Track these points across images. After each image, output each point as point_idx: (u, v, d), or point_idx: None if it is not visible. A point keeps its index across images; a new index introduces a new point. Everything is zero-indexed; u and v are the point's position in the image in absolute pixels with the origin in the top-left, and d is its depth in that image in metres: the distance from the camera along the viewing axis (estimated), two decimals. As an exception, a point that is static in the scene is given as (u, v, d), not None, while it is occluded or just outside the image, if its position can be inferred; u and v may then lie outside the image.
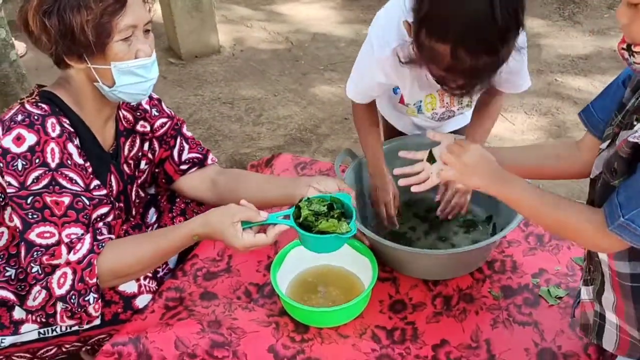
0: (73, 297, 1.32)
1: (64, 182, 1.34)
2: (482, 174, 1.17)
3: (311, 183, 1.51)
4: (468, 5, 1.11)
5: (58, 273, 1.31)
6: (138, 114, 1.60)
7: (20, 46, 3.17)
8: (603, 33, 3.78)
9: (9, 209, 1.41)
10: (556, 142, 2.80)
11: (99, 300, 1.35)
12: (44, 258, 1.31)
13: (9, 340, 1.46)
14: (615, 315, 1.15)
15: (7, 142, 1.31)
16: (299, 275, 1.54)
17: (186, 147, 1.66)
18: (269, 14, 4.21)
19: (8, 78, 2.22)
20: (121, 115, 1.56)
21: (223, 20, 4.07)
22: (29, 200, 1.32)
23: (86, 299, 1.32)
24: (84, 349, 1.56)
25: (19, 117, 1.33)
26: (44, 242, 1.32)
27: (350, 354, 1.36)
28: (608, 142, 1.11)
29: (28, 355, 1.51)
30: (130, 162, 1.58)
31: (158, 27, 3.82)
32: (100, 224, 1.40)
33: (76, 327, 1.47)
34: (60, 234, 1.32)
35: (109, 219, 1.42)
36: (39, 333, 1.47)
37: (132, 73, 1.38)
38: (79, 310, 1.34)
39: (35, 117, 1.33)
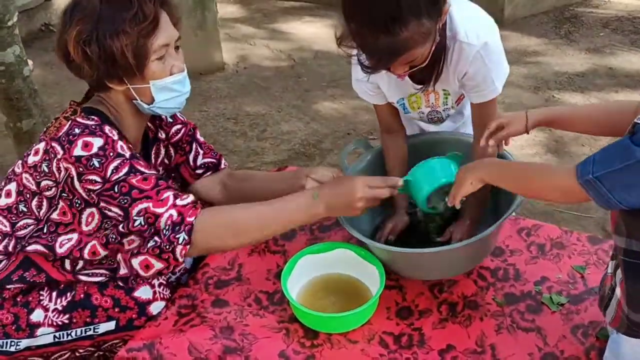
0: (167, 228, 1.35)
1: (142, 168, 1.40)
2: (479, 168, 1.32)
3: (309, 174, 1.63)
4: None
5: (165, 215, 1.35)
6: (157, 122, 1.68)
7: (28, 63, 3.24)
8: (599, 51, 3.87)
9: (86, 211, 1.44)
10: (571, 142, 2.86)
11: (187, 246, 1.36)
12: (151, 205, 1.35)
13: (24, 343, 1.50)
14: (620, 289, 1.19)
15: (77, 151, 1.36)
16: (308, 282, 1.58)
17: (201, 152, 1.75)
18: (272, 32, 4.30)
19: (21, 93, 2.27)
20: (148, 125, 1.64)
21: (227, 39, 4.15)
22: (116, 189, 1.36)
23: (177, 236, 1.34)
24: (96, 354, 1.59)
25: (77, 130, 1.39)
26: (144, 206, 1.36)
27: (359, 358, 1.40)
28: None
29: (41, 360, 1.55)
30: (159, 169, 1.66)
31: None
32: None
33: (91, 332, 1.51)
34: (160, 199, 1.36)
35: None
36: (55, 337, 1.51)
37: (169, 89, 1.46)
38: (167, 247, 1.35)
39: (93, 127, 1.40)
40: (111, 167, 1.37)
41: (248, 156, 3.01)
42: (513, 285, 1.57)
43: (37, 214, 1.49)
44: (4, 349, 1.50)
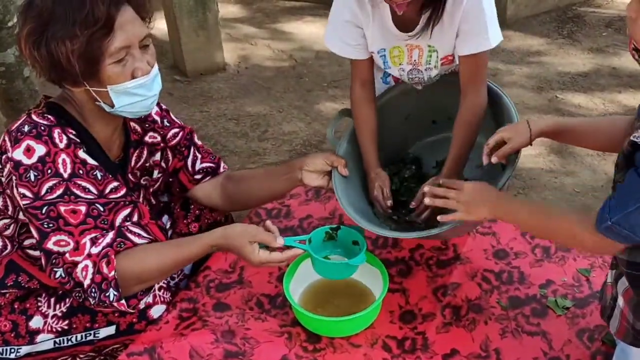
0: (94, 290, 1.33)
1: (78, 192, 1.36)
2: (483, 206, 1.27)
3: (302, 166, 1.61)
4: None
5: (80, 266, 1.33)
6: (147, 125, 1.62)
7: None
8: (601, 51, 3.84)
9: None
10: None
11: (122, 300, 1.35)
12: (67, 254, 1.32)
13: (24, 350, 1.49)
14: (623, 299, 1.18)
15: (18, 154, 1.33)
16: (310, 286, 1.57)
17: (199, 156, 1.71)
18: (273, 32, 4.28)
19: (22, 94, 2.26)
20: (132, 126, 1.58)
21: (228, 39, 4.12)
22: (43, 210, 1.33)
23: (106, 294, 1.33)
24: (97, 359, 1.58)
25: (26, 128, 1.34)
26: (61, 249, 1.34)
27: (362, 363, 1.39)
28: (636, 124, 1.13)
29: (42, 366, 1.53)
30: (137, 172, 1.60)
31: (164, 44, 3.88)
32: (128, 224, 1.41)
33: (91, 337, 1.50)
34: (78, 242, 1.34)
35: (134, 218, 1.44)
36: (55, 343, 1.49)
37: (130, 94, 1.37)
38: (102, 305, 1.35)
39: (42, 128, 1.34)
40: (46, 186, 1.33)
41: (249, 157, 2.98)
42: (518, 288, 1.55)
43: (8, 213, 1.47)
44: (4, 356, 1.49)
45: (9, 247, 1.52)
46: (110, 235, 1.37)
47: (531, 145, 1.38)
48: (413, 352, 1.41)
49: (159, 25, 3.87)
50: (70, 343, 1.50)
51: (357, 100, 1.66)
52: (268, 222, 1.47)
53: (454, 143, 1.54)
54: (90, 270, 1.34)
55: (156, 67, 1.42)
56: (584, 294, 1.51)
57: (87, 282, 1.34)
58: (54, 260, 1.35)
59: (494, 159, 1.37)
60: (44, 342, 1.49)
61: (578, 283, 1.54)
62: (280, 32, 4.29)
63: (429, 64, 1.56)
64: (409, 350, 1.41)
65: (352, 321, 1.40)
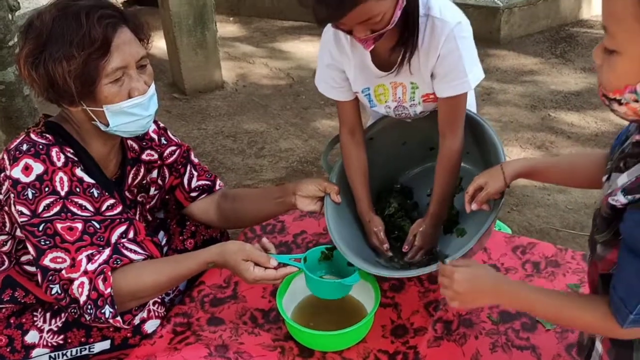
0: (89, 307, 1.35)
1: (74, 209, 1.38)
2: (481, 296, 1.18)
3: (296, 191, 1.64)
4: None
5: (76, 283, 1.34)
6: (144, 143, 1.65)
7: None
8: (593, 70, 3.90)
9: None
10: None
11: (118, 317, 1.37)
12: (64, 271, 1.34)
13: (19, 364, 1.50)
14: (601, 345, 1.17)
15: (17, 172, 1.35)
16: (303, 301, 1.58)
17: (195, 174, 1.73)
18: (271, 51, 4.34)
19: (21, 112, 2.29)
20: (129, 144, 1.61)
21: (226, 57, 4.19)
22: (40, 228, 1.36)
23: (102, 311, 1.35)
24: (92, 374, 1.59)
25: (24, 147, 1.37)
26: (57, 266, 1.36)
27: (354, 377, 1.40)
28: (605, 176, 1.12)
29: (37, 381, 1.54)
30: (134, 189, 1.63)
31: (163, 63, 3.93)
32: (124, 241, 1.44)
33: (86, 352, 1.51)
34: (74, 259, 1.36)
35: (130, 235, 1.46)
36: (50, 357, 1.50)
37: (126, 113, 1.39)
38: (97, 322, 1.37)
39: (40, 147, 1.37)
40: (43, 203, 1.35)
41: (246, 173, 3.02)
42: (508, 303, 1.57)
43: (5, 230, 1.49)
44: (-1, 369, 1.50)
45: (6, 263, 1.54)
46: (107, 252, 1.39)
47: (508, 187, 1.39)
48: (404, 366, 1.42)
49: (159, 44, 3.93)
50: (65, 358, 1.51)
51: (345, 146, 1.66)
52: (264, 240, 1.50)
53: (436, 187, 1.55)
54: (87, 287, 1.36)
55: (153, 87, 1.45)
56: (573, 309, 1.52)
57: (83, 299, 1.36)
58: (50, 277, 1.37)
59: (473, 206, 1.38)
60: (39, 356, 1.50)
61: (567, 298, 1.56)
62: (278, 51, 4.36)
63: (413, 100, 1.56)
64: (400, 364, 1.43)
65: (344, 335, 1.42)
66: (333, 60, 1.54)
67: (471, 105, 1.69)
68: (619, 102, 0.91)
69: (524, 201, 2.71)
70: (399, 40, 1.40)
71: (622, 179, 0.99)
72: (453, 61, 1.39)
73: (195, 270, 1.48)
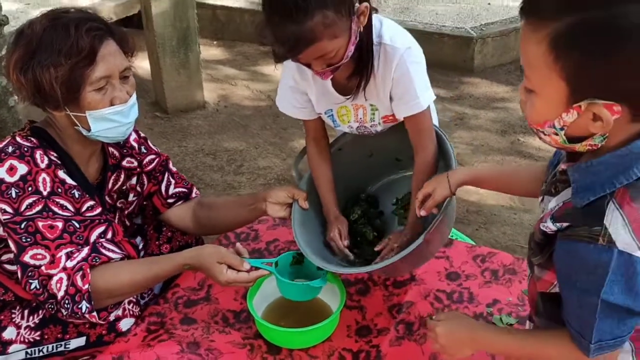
0: (67, 302, 1.41)
1: (55, 209, 1.45)
2: (462, 346, 1.24)
3: (266, 198, 1.72)
4: None
5: (55, 278, 1.41)
6: (125, 151, 1.73)
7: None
8: (562, 98, 4.07)
9: None
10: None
11: (94, 312, 1.44)
12: (43, 267, 1.41)
13: (-4, 360, 1.55)
14: None
15: (1, 172, 1.42)
16: (273, 302, 1.66)
17: (172, 182, 1.81)
18: (253, 74, 4.46)
19: (5, 123, 2.36)
20: (110, 151, 1.69)
21: (209, 79, 4.29)
22: (22, 225, 1.43)
23: (79, 306, 1.41)
24: (66, 371, 1.64)
25: (10, 149, 1.45)
26: (37, 263, 1.43)
27: (319, 373, 1.48)
28: (540, 198, 1.20)
29: (13, 377, 1.59)
30: (114, 194, 1.70)
31: (146, 82, 4.02)
32: (102, 240, 1.51)
33: (62, 348, 1.57)
34: (54, 255, 1.43)
35: (109, 236, 1.53)
36: (26, 353, 1.55)
37: (107, 119, 1.48)
38: (74, 316, 1.43)
39: (25, 149, 1.45)
40: (26, 202, 1.42)
41: (225, 189, 3.09)
42: (467, 307, 1.66)
43: None
44: (-25, 366, 1.54)
45: None
46: (85, 250, 1.46)
47: (454, 194, 1.47)
48: (367, 363, 1.50)
49: (142, 64, 4.02)
50: (41, 354, 1.56)
51: (312, 157, 1.77)
52: (238, 245, 1.59)
53: (414, 198, 1.61)
54: (65, 282, 1.42)
55: (134, 97, 1.53)
56: (526, 312, 1.61)
57: (60, 294, 1.42)
58: (29, 273, 1.43)
59: (422, 212, 1.48)
60: (16, 352, 1.55)
61: (522, 303, 1.66)
62: (260, 74, 4.47)
63: (373, 121, 1.66)
64: (363, 361, 1.50)
65: (310, 333, 1.50)
66: (296, 84, 1.64)
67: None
68: (543, 133, 0.99)
69: (491, 220, 2.82)
70: (355, 70, 1.51)
71: (552, 203, 1.07)
72: (405, 84, 1.50)
73: (171, 272, 1.55)
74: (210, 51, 4.82)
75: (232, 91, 4.22)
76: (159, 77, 3.80)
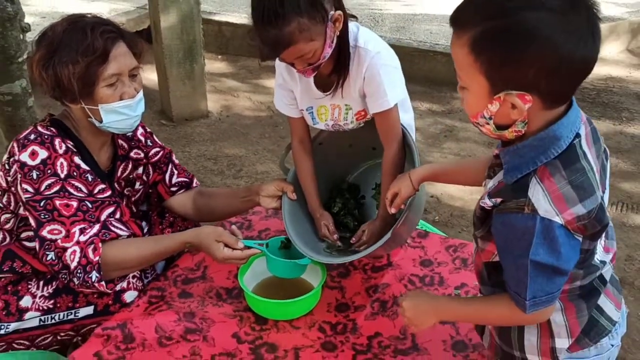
0: (79, 271, 1.60)
1: (71, 190, 1.65)
2: (426, 317, 1.37)
3: (259, 192, 1.93)
4: None
5: (69, 251, 1.60)
6: (133, 143, 1.93)
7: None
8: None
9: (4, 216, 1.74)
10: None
11: (102, 282, 1.63)
12: (59, 241, 1.60)
13: (13, 326, 1.72)
14: None
15: (24, 157, 1.63)
16: (262, 281, 1.84)
17: (175, 172, 2.02)
18: (255, 86, 4.68)
19: (24, 121, 2.57)
20: (119, 143, 1.90)
21: (213, 90, 4.52)
22: (41, 204, 1.62)
23: (89, 276, 1.60)
24: (75, 339, 1.81)
25: (32, 136, 1.65)
26: (54, 237, 1.62)
27: (300, 340, 1.65)
28: (484, 182, 1.34)
29: (27, 343, 1.76)
30: (122, 182, 1.90)
31: (153, 92, 4.25)
32: (112, 220, 1.70)
33: (72, 316, 1.75)
34: (69, 230, 1.62)
35: (117, 216, 1.72)
36: (40, 320, 1.73)
37: (117, 112, 1.68)
38: (84, 285, 1.62)
39: (46, 137, 1.66)
40: (45, 183, 1.62)
41: (224, 192, 3.30)
42: (437, 289, 1.84)
43: (10, 208, 1.75)
44: (-6, 332, 1.72)
45: (7, 239, 1.79)
46: (97, 227, 1.66)
47: (417, 190, 1.63)
48: (344, 333, 1.68)
49: (150, 76, 4.26)
50: (53, 321, 1.74)
51: (296, 154, 1.96)
52: (234, 227, 1.78)
53: (383, 191, 1.80)
54: (78, 254, 1.61)
55: (141, 93, 1.74)
56: (490, 294, 1.80)
57: (73, 265, 1.61)
58: (46, 246, 1.62)
59: (392, 210, 1.65)
60: (31, 319, 1.73)
61: (487, 286, 1.83)
62: (261, 86, 4.70)
63: (346, 120, 1.86)
64: (340, 332, 1.68)
65: (294, 304, 1.68)
66: (284, 82, 1.84)
67: (410, 126, 1.96)
68: (480, 125, 1.15)
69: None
70: (334, 69, 1.71)
71: (490, 183, 1.24)
72: (375, 83, 1.69)
73: (174, 249, 1.74)
74: (215, 64, 5.06)
75: (234, 102, 4.44)
76: (165, 87, 4.03)
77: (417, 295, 1.46)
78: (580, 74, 1.05)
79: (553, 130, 1.09)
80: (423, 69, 4.57)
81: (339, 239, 1.89)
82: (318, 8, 1.52)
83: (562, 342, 1.26)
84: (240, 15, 5.20)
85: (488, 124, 1.12)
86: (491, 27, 1.01)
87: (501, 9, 1.00)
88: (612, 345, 1.28)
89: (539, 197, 1.08)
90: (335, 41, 1.62)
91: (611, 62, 5.02)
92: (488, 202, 1.17)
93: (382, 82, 1.68)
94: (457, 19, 1.07)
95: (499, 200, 1.15)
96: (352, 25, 1.69)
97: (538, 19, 0.98)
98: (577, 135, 1.11)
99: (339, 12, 1.59)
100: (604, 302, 1.26)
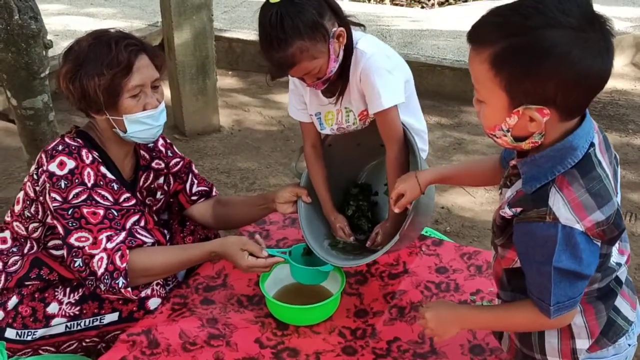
0: (106, 277, 1.65)
1: (98, 198, 1.71)
2: (449, 327, 1.40)
3: (275, 199, 1.99)
4: (263, 16, 1.59)
5: (97, 257, 1.65)
6: (154, 154, 2.00)
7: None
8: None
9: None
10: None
11: (129, 288, 1.67)
12: (86, 248, 1.65)
13: (40, 332, 1.77)
14: None
15: (53, 167, 1.69)
16: (283, 288, 1.89)
17: (195, 182, 2.08)
18: (265, 101, 4.75)
19: (45, 135, 2.63)
20: (141, 154, 1.96)
21: (224, 106, 4.59)
22: (69, 212, 1.68)
23: (116, 282, 1.65)
24: (99, 346, 1.86)
25: (60, 147, 1.71)
26: (81, 244, 1.67)
27: (321, 345, 1.69)
28: (499, 191, 1.39)
29: (52, 349, 1.81)
30: (144, 191, 1.96)
31: (166, 107, 4.30)
32: (137, 227, 1.75)
33: (97, 323, 1.79)
34: (96, 238, 1.67)
35: (142, 224, 1.77)
36: (66, 327, 1.78)
37: (141, 122, 1.74)
38: (111, 291, 1.66)
39: (73, 147, 1.72)
40: (73, 192, 1.67)
41: (238, 204, 3.35)
42: (453, 295, 1.88)
43: (38, 217, 1.81)
44: (21, 338, 1.77)
45: (35, 248, 1.85)
46: (123, 234, 1.71)
47: (423, 193, 1.66)
48: (363, 338, 1.71)
49: (164, 91, 4.33)
50: (79, 327, 1.78)
51: (309, 159, 2.02)
52: (257, 236, 1.84)
53: (390, 191, 1.81)
54: (105, 261, 1.66)
55: (163, 104, 1.81)
56: (505, 300, 1.83)
57: (101, 271, 1.66)
58: (74, 253, 1.67)
59: (397, 210, 1.68)
60: (57, 325, 1.77)
61: (502, 292, 1.87)
62: (272, 101, 4.77)
63: (349, 122, 1.90)
64: (360, 337, 1.72)
65: (314, 310, 1.72)
66: (295, 87, 1.93)
67: (418, 130, 2.02)
68: (496, 137, 1.19)
69: (484, 234, 3.04)
70: (339, 76, 1.78)
71: (508, 193, 1.27)
72: (369, 85, 1.74)
73: (199, 257, 1.79)
74: (226, 80, 5.14)
75: (245, 117, 4.50)
76: (178, 102, 4.10)
77: (439, 305, 1.48)
78: (596, 88, 1.09)
79: (569, 141, 1.14)
80: (431, 84, 4.63)
81: (355, 241, 1.95)
82: (318, 29, 1.60)
83: (582, 343, 1.29)
84: (250, 32, 5.29)
85: (505, 136, 1.16)
86: (512, 44, 1.06)
87: (521, 27, 1.05)
88: (630, 345, 1.32)
89: (559, 205, 1.12)
90: (341, 54, 1.70)
91: (616, 75, 5.07)
92: (508, 212, 1.20)
93: (375, 84, 1.73)
94: (476, 36, 1.12)
95: (519, 209, 1.19)
96: (358, 33, 1.76)
97: (556, 36, 1.02)
98: (592, 145, 1.15)
99: (341, 28, 1.66)
100: (620, 302, 1.30)
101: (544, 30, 1.03)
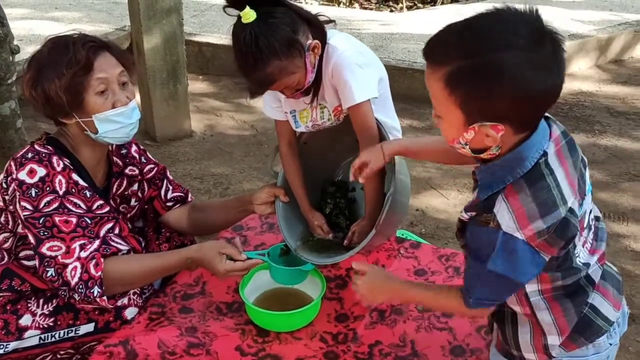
0: (80, 287, 1.61)
1: (70, 206, 1.66)
2: (378, 294, 1.52)
3: (252, 201, 1.98)
4: (237, 37, 1.58)
5: (70, 267, 1.61)
6: (127, 160, 1.96)
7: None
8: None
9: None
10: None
11: (104, 297, 1.63)
12: (59, 257, 1.61)
13: (12, 345, 1.72)
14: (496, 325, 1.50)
15: (22, 175, 1.64)
16: (262, 294, 1.87)
17: (170, 187, 2.05)
18: (237, 106, 4.72)
19: (13, 143, 2.57)
20: (114, 160, 1.92)
21: (195, 110, 4.54)
22: (41, 220, 1.63)
23: (91, 291, 1.61)
24: (74, 358, 1.81)
25: (30, 155, 1.67)
26: (53, 254, 1.63)
27: (303, 351, 1.68)
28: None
29: (26, 363, 1.76)
30: (117, 198, 1.91)
31: (136, 113, 4.25)
32: (111, 235, 1.71)
33: (72, 334, 1.75)
34: (69, 246, 1.63)
35: (116, 231, 1.74)
36: (40, 339, 1.73)
37: (111, 121, 1.69)
38: (86, 301, 1.62)
39: (43, 155, 1.67)
40: (44, 200, 1.63)
41: (212, 210, 3.31)
42: (432, 297, 1.89)
43: (8, 227, 1.76)
44: (-7, 351, 1.72)
45: (5, 258, 1.79)
46: (97, 242, 1.67)
47: (387, 162, 1.68)
48: (345, 342, 1.71)
49: (133, 96, 4.26)
50: (53, 339, 1.74)
51: (285, 157, 2.01)
52: (236, 239, 1.81)
53: (366, 190, 1.86)
54: (79, 270, 1.62)
55: (134, 102, 1.77)
56: (484, 300, 1.85)
57: (75, 281, 1.62)
58: (46, 262, 1.63)
59: (361, 180, 1.70)
60: (31, 338, 1.72)
61: (480, 293, 1.89)
62: (243, 105, 4.74)
63: (323, 118, 1.92)
64: (341, 341, 1.71)
65: (295, 315, 1.71)
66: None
67: (392, 128, 2.00)
68: (456, 148, 1.21)
69: (459, 235, 3.07)
70: (314, 78, 1.77)
71: (470, 198, 1.32)
72: (341, 79, 1.74)
73: (176, 265, 1.76)
74: (196, 85, 5.08)
75: (217, 121, 4.47)
76: (149, 107, 4.04)
77: (375, 273, 1.55)
78: (549, 103, 1.14)
79: (519, 152, 1.17)
80: (402, 87, 4.66)
81: (335, 238, 1.96)
82: (294, 45, 1.61)
83: (553, 339, 1.33)
84: (220, 36, 5.25)
85: (464, 148, 1.20)
86: (465, 65, 1.08)
87: (474, 49, 1.08)
88: (611, 344, 1.35)
89: (503, 213, 1.17)
90: (316, 64, 1.71)
91: (581, 77, 5.20)
92: (465, 215, 1.27)
93: (347, 79, 1.73)
94: (431, 55, 1.15)
95: (473, 213, 1.24)
96: (331, 30, 1.76)
97: (508, 58, 1.06)
98: (544, 154, 1.18)
99: (316, 41, 1.67)
100: (600, 303, 1.32)
101: (495, 53, 1.06)
